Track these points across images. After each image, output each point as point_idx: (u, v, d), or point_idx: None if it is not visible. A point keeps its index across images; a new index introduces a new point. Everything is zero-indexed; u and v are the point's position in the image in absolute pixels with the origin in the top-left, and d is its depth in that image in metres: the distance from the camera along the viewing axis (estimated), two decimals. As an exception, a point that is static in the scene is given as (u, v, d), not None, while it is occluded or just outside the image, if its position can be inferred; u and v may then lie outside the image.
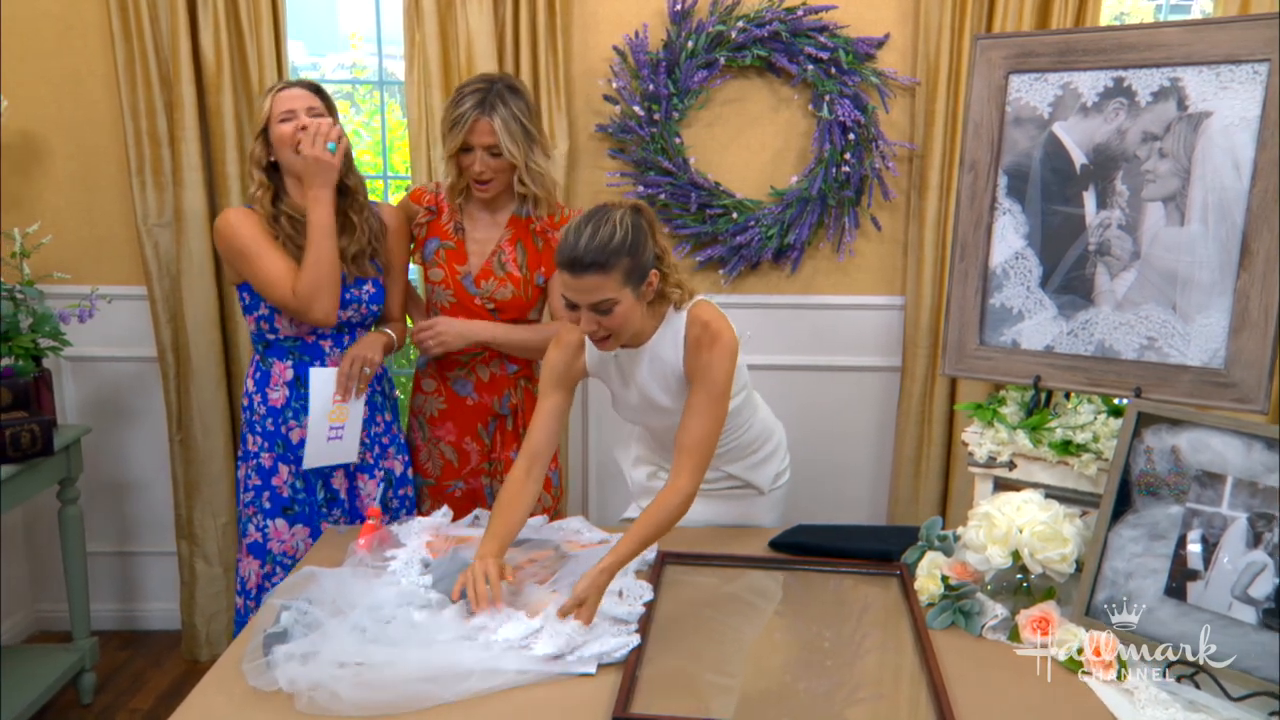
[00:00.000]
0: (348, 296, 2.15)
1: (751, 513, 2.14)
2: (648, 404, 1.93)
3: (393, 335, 2.25)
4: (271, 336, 2.17)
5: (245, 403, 2.23)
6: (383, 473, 2.25)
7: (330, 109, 2.15)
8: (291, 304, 2.07)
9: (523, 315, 2.31)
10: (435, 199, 2.32)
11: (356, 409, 2.17)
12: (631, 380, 1.91)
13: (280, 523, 2.18)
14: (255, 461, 2.20)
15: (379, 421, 2.26)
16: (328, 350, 2.18)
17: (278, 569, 2.18)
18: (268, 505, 2.18)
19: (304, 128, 2.06)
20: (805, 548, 1.93)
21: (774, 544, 1.95)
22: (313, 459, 2.14)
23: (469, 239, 2.29)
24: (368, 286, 2.19)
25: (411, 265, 2.38)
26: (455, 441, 2.35)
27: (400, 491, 2.31)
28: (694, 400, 1.78)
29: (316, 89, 2.14)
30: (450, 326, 2.22)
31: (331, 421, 2.14)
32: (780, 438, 2.20)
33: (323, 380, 2.13)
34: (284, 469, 2.18)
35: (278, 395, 2.18)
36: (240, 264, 2.12)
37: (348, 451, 2.18)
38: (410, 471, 2.35)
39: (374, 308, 2.21)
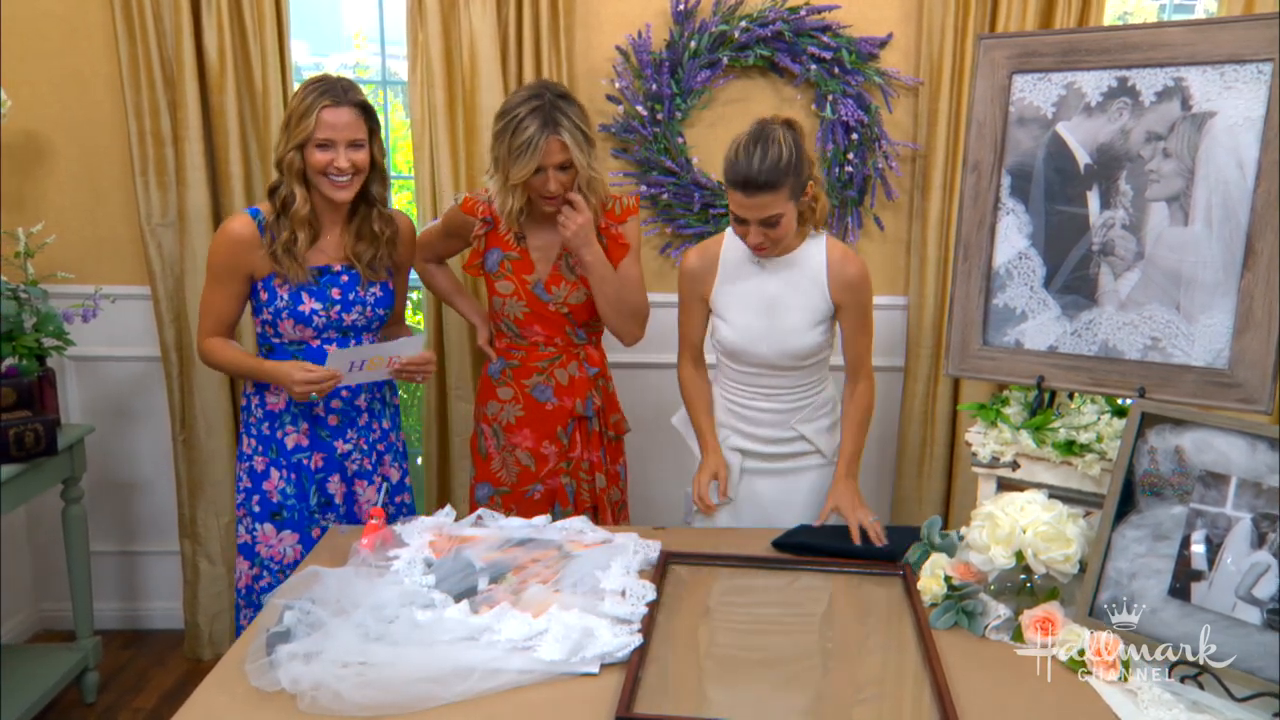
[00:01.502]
0: (351, 298, 2.14)
1: (816, 486, 2.19)
2: (768, 317, 2.07)
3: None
4: (276, 340, 2.15)
5: (244, 404, 2.22)
6: (380, 479, 2.25)
7: (374, 131, 2.08)
8: (197, 342, 2.20)
9: (595, 317, 2.29)
10: (489, 209, 2.25)
11: (376, 377, 2.14)
12: (762, 289, 2.07)
13: (268, 527, 2.17)
14: (249, 464, 2.19)
15: (375, 429, 2.25)
16: (332, 354, 2.15)
17: (264, 572, 2.18)
18: (257, 509, 2.18)
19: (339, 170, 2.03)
20: (808, 547, 1.93)
21: (777, 544, 1.95)
22: (336, 353, 2.06)
23: (532, 247, 2.25)
24: (375, 289, 2.17)
25: (468, 276, 2.44)
26: (532, 447, 2.31)
27: (397, 499, 2.31)
28: (851, 322, 2.10)
29: (366, 110, 2.05)
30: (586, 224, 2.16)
31: (368, 359, 2.09)
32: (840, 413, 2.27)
33: (411, 345, 2.14)
34: (275, 474, 2.17)
35: (276, 400, 2.16)
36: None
37: (336, 375, 2.07)
38: (408, 479, 2.34)
39: (380, 311, 2.19)
